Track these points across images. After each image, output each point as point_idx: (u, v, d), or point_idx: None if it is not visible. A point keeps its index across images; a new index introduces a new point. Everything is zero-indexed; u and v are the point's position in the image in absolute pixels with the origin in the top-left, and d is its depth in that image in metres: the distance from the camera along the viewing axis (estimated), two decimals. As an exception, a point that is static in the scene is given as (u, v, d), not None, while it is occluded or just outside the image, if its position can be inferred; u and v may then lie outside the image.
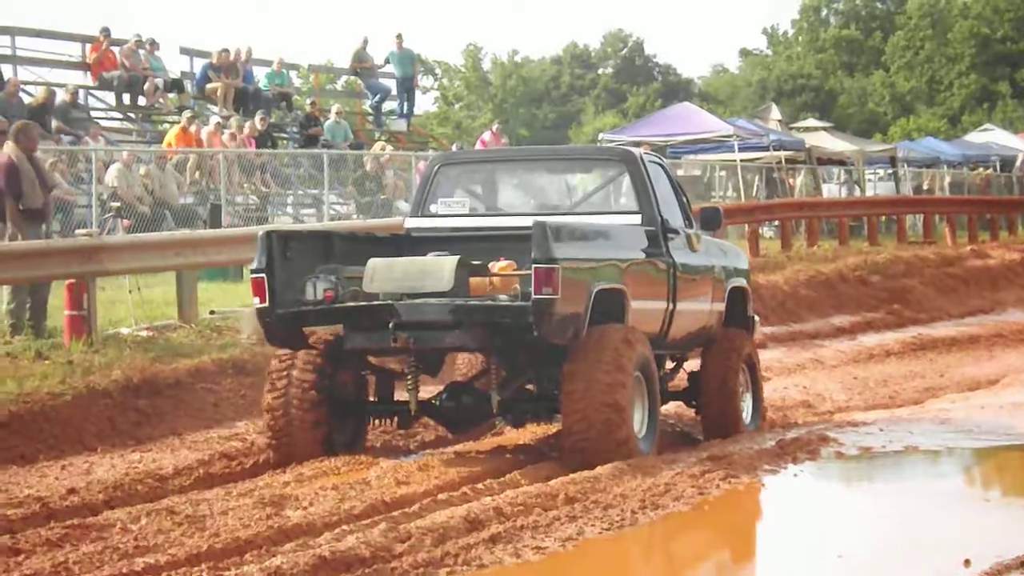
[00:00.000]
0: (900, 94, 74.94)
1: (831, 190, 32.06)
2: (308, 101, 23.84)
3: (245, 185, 18.23)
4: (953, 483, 8.35)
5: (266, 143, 20.13)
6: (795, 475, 8.21)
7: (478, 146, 25.55)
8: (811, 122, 39.05)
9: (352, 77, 27.44)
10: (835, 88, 72.86)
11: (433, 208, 9.47)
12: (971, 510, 7.43)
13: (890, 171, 34.38)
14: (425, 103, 58.04)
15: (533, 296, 7.86)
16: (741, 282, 10.28)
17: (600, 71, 73.35)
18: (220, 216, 16.24)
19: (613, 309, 8.37)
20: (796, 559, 6.63)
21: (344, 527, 6.69)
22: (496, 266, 8.42)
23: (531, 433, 9.29)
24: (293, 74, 26.05)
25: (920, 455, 8.86)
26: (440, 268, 8.22)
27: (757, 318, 10.85)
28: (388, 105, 26.50)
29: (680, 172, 28.35)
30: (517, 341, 8.12)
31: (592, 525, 6.83)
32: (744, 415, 9.71)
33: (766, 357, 14.17)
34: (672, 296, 9.16)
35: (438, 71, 62.53)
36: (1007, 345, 16.24)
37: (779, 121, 35.44)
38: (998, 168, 38.85)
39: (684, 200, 9.87)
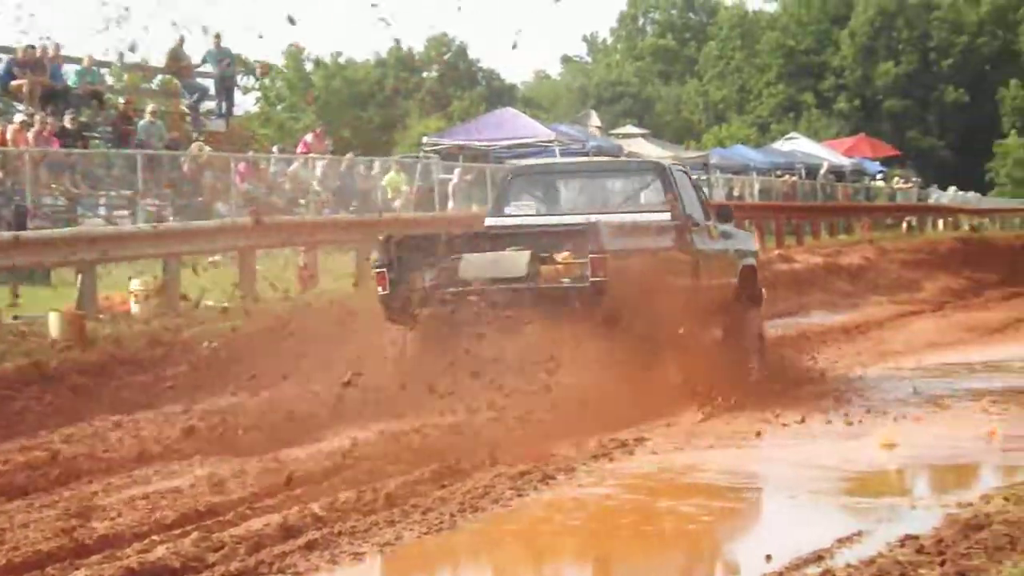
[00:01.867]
0: (713, 102, 76.86)
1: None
2: (120, 100, 23.19)
3: (53, 186, 17.62)
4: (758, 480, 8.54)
5: (76, 143, 19.48)
6: (609, 473, 8.30)
7: (300, 148, 25.23)
8: (629, 128, 39.75)
9: (168, 76, 26.84)
10: (652, 96, 74.27)
11: (507, 210, 12.12)
12: (775, 506, 7.61)
13: (703, 177, 35.19)
14: (247, 103, 57.11)
15: (590, 279, 10.16)
16: (751, 261, 13.01)
17: (424, 74, 73.31)
18: (25, 218, 15.65)
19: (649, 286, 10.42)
20: (605, 558, 6.70)
21: (154, 537, 6.50)
22: (560, 256, 10.52)
23: (351, 438, 9.20)
24: (105, 72, 25.30)
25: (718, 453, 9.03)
26: (518, 260, 10.51)
27: (764, 291, 13.32)
28: (206, 105, 25.98)
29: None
30: (579, 314, 10.07)
31: (411, 529, 6.80)
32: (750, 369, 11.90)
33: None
34: (695, 275, 11.41)
35: (259, 71, 61.59)
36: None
37: (598, 127, 35.98)
38: (803, 175, 40.17)
39: (703, 198, 12.61)
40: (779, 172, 39.32)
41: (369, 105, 67.42)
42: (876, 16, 73.93)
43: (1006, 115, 71.57)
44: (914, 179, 46.70)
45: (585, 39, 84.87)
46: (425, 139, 29.89)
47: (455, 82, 70.59)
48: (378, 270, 10.75)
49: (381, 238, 10.88)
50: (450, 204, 24.35)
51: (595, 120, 36.56)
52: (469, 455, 8.47)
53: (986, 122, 71.41)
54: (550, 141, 28.54)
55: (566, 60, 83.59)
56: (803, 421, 10.03)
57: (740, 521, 7.47)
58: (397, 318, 10.76)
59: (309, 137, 25.80)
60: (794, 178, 38.85)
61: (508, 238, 10.94)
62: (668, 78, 79.19)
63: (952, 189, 46.15)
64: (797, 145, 45.42)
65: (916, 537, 6.22)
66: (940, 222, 38.80)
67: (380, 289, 10.74)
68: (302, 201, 20.41)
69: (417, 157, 27.17)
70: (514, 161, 29.09)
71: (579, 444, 9.00)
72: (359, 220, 19.01)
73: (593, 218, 10.77)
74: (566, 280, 10.40)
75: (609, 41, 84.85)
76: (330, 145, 27.12)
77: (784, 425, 9.93)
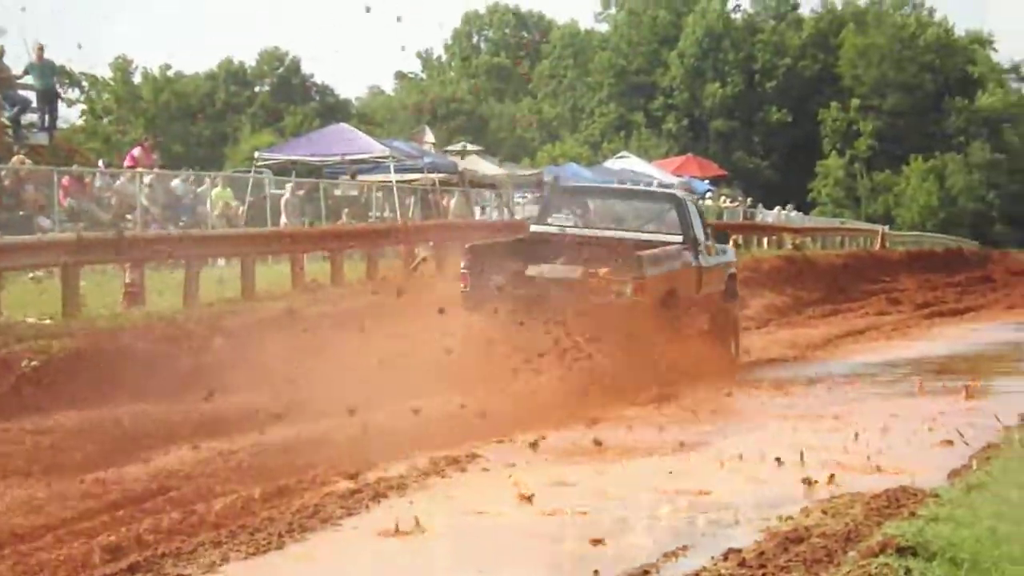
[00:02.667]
0: (546, 120, 77.71)
1: (483, 212, 32.81)
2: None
3: None
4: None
5: None
6: (440, 490, 8.31)
7: (127, 162, 24.70)
8: (464, 146, 39.87)
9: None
10: (487, 113, 74.75)
11: (550, 220, 14.90)
12: (606, 520, 7.70)
13: (537, 195, 35.51)
14: (72, 116, 55.63)
15: (630, 295, 12.93)
16: (733, 270, 16.34)
17: (257, 89, 72.48)
18: None
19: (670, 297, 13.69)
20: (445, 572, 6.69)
21: (-32, 562, 6.30)
22: (602, 271, 13.12)
23: (179, 459, 9.02)
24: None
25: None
26: (573, 270, 13.32)
27: (739, 293, 16.95)
28: (28, 118, 25.23)
29: (337, 192, 28.36)
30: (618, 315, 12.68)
31: (237, 550, 6.70)
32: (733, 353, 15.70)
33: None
34: (699, 285, 14.55)
35: (84, 84, 60.10)
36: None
37: (433, 144, 36.01)
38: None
39: (704, 222, 15.69)
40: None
41: (199, 118, 66.36)
42: (703, 38, 75.73)
43: (827, 136, 73.96)
44: (740, 198, 47.84)
45: (420, 55, 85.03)
46: (257, 154, 29.49)
47: (288, 97, 69.98)
48: (463, 271, 13.51)
49: (467, 247, 13.91)
50: (282, 219, 24.12)
51: (430, 136, 36.58)
52: (302, 471, 8.40)
53: (808, 142, 73.72)
54: (384, 157, 28.44)
55: (400, 76, 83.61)
56: (631, 428, 10.19)
57: (567, 536, 7.53)
58: (475, 308, 13.02)
59: (136, 151, 25.26)
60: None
61: (550, 242, 14.10)
62: (502, 96, 79.81)
63: (778, 208, 47.44)
64: (628, 164, 46.12)
65: (739, 551, 6.38)
66: (765, 240, 39.81)
67: (463, 286, 13.41)
68: (129, 216, 19.96)
69: (249, 172, 26.82)
70: (347, 177, 29.02)
71: (412, 462, 8.99)
72: (188, 235, 18.65)
73: (624, 235, 14.33)
74: (613, 289, 13.05)
75: (444, 58, 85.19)
76: (159, 159, 26.62)
77: (613, 445, 10.02)
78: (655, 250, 13.79)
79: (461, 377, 11.18)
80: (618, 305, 12.88)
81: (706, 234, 15.16)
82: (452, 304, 12.78)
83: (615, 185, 20.97)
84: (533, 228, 15.02)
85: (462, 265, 13.59)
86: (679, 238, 14.45)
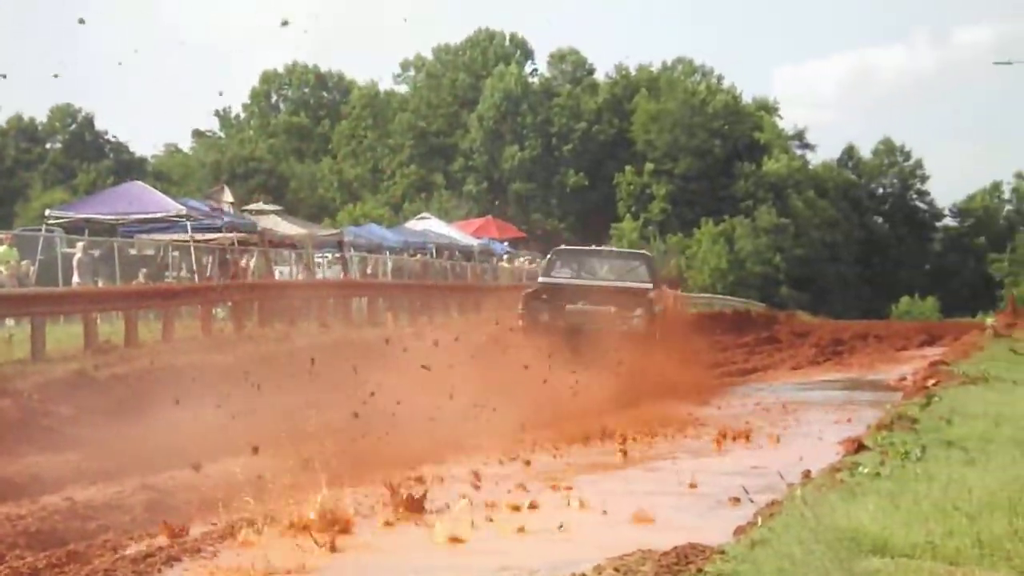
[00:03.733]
0: (347, 181, 77.68)
1: (283, 272, 32.59)
2: None
3: None
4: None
5: None
6: (237, 554, 8.22)
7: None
8: (262, 205, 39.56)
9: None
10: (286, 172, 74.31)
11: (554, 273, 20.34)
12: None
13: (338, 255, 35.48)
14: None
15: (644, 325, 19.01)
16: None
17: (48, 145, 70.59)
18: None
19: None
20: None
21: None
22: (611, 309, 19.02)
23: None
24: None
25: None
26: (602, 310, 19.00)
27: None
28: None
29: (132, 251, 27.80)
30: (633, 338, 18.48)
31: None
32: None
33: (213, 438, 14.10)
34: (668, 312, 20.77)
35: None
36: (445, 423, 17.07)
37: (231, 203, 35.66)
38: (434, 254, 41.17)
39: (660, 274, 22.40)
40: (412, 251, 40.14)
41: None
42: (502, 101, 76.95)
43: (622, 199, 75.80)
44: (538, 260, 48.65)
45: (217, 113, 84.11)
46: (48, 211, 28.72)
47: (81, 154, 68.35)
48: (520, 312, 19.27)
49: (524, 293, 19.95)
50: (75, 279, 23.51)
51: (228, 196, 36.22)
52: (92, 536, 8.21)
53: (604, 205, 75.43)
54: (181, 216, 28.04)
55: (198, 134, 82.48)
56: (423, 496, 10.21)
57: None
58: (530, 339, 17.88)
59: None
60: (426, 257, 39.74)
61: (559, 289, 19.60)
62: (303, 155, 79.49)
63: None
64: (429, 225, 46.47)
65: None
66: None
67: (520, 322, 19.08)
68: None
69: (39, 230, 26.09)
70: (144, 236, 28.46)
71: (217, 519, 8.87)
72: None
73: (617, 283, 19.99)
74: (630, 319, 18.97)
75: (242, 116, 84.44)
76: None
77: (411, 497, 10.05)
78: (652, 294, 19.69)
79: (243, 441, 11.09)
80: (636, 330, 18.87)
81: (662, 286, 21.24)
82: (262, 367, 12.52)
83: (600, 247, 25.65)
84: (542, 280, 20.42)
85: (520, 307, 19.37)
86: (650, 285, 20.06)
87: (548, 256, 21.64)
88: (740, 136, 77.63)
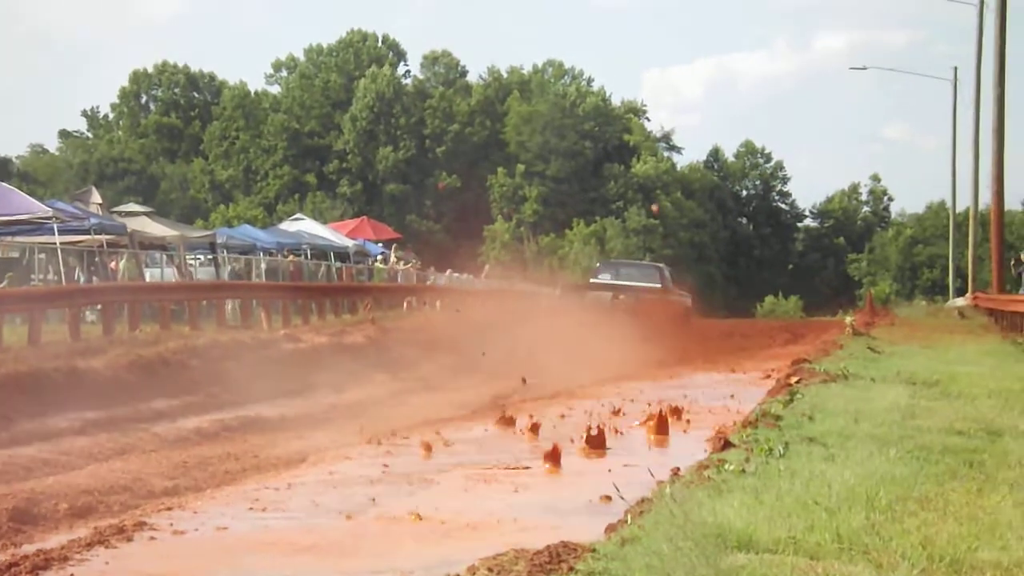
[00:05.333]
0: (219, 182, 76.75)
1: (154, 274, 32.12)
2: None
3: None
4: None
5: None
6: (107, 562, 8.15)
7: None
8: (133, 206, 38.97)
9: None
10: (157, 173, 73.17)
11: (600, 277, 34.98)
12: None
13: (210, 256, 35.07)
14: None
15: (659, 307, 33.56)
16: (688, 302, 37.02)
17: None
18: None
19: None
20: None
21: None
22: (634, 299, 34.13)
23: None
24: None
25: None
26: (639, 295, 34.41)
27: (691, 310, 39.24)
28: None
29: (-4, 254, 27.21)
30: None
31: None
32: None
33: (83, 444, 13.92)
34: (672, 304, 34.62)
35: None
36: (314, 425, 17.04)
37: (100, 205, 35.07)
38: (308, 255, 40.93)
39: (672, 278, 37.36)
40: (286, 252, 39.84)
41: None
42: (375, 102, 76.73)
43: (495, 201, 76.11)
44: (414, 260, 48.61)
45: (85, 114, 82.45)
46: (-93, 213, 27.91)
47: (-58, 153, 66.56)
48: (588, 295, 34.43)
49: (588, 284, 35.23)
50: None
51: (96, 197, 35.63)
52: None
53: (478, 207, 75.67)
54: (47, 218, 27.49)
55: (65, 135, 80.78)
56: (265, 510, 10.09)
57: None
58: (593, 311, 30.50)
59: None
60: (300, 258, 39.48)
61: (603, 287, 33.86)
62: (174, 156, 78.33)
63: (449, 271, 48.43)
64: (303, 226, 46.18)
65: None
66: (438, 302, 40.56)
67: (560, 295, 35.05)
68: None
69: None
70: (8, 239, 27.83)
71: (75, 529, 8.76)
72: None
73: (640, 284, 34.00)
74: (660, 304, 32.52)
75: (111, 117, 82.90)
76: None
77: (250, 508, 9.98)
78: (643, 285, 33.61)
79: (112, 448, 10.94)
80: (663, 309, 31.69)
81: (671, 285, 35.13)
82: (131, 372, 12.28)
83: (629, 260, 37.79)
84: (592, 281, 34.89)
85: (558, 292, 33.86)
86: (659, 285, 34.17)
87: (596, 265, 36.29)
88: (610, 138, 78.53)
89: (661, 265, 37.63)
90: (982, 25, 44.44)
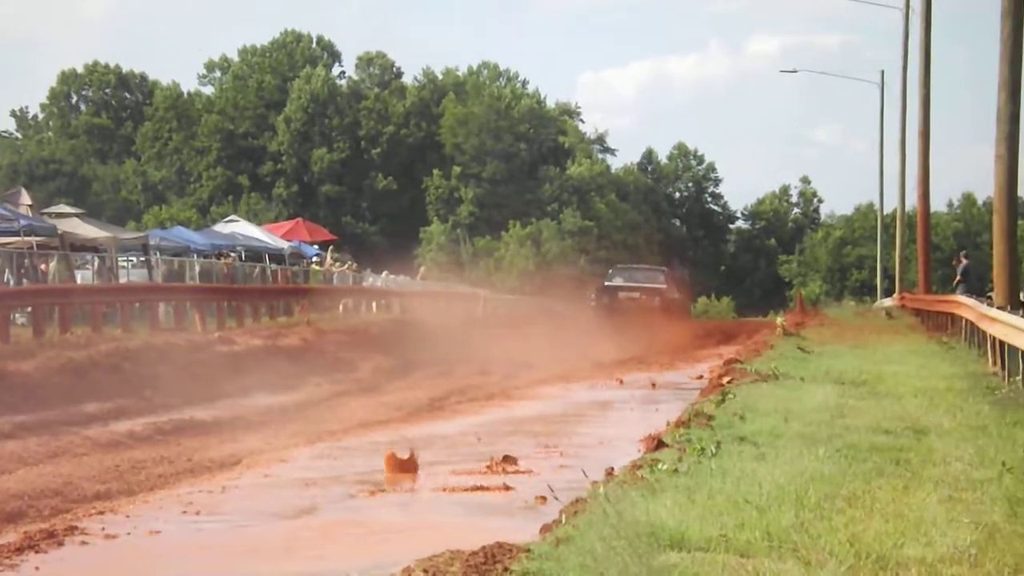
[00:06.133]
0: (152, 183, 76.01)
1: (85, 276, 31.77)
2: None
3: None
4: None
5: None
6: (36, 567, 8.09)
7: None
8: (64, 208, 38.50)
9: None
10: (88, 174, 72.36)
11: (615, 280, 38.95)
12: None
13: (143, 258, 34.75)
14: None
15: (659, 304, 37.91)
16: (686, 302, 47.03)
17: None
18: None
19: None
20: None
21: None
22: (642, 298, 38.15)
23: None
24: None
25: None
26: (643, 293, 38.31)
27: (689, 308, 48.76)
28: None
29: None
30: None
31: None
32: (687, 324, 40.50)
33: (12, 448, 13.79)
34: (672, 303, 39.32)
35: None
36: (249, 428, 16.97)
37: (30, 206, 34.63)
38: (243, 257, 40.67)
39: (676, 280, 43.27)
40: (220, 253, 39.54)
41: None
42: (309, 103, 76.35)
43: (431, 203, 76.02)
44: (350, 262, 48.42)
45: (14, 114, 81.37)
46: None
47: None
48: (593, 298, 38.25)
49: (596, 288, 39.17)
50: None
51: (26, 198, 35.17)
52: None
53: (414, 209, 75.54)
54: (-25, 220, 27.15)
55: (-7, 135, 79.61)
56: (199, 514, 10.03)
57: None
58: (597, 314, 35.58)
59: None
60: (234, 260, 39.21)
61: (617, 288, 37.85)
62: (105, 157, 77.50)
63: (385, 272, 48.30)
64: (237, 228, 45.83)
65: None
66: (375, 304, 40.46)
67: (593, 304, 37.80)
68: None
69: None
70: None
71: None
72: None
73: (646, 286, 38.11)
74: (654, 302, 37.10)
75: (40, 117, 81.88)
76: None
77: (184, 512, 9.93)
78: (650, 286, 37.74)
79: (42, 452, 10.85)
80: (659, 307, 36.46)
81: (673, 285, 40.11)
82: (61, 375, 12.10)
83: (638, 265, 43.27)
84: (606, 284, 38.49)
85: (593, 296, 38.24)
86: (664, 286, 38.26)
87: (609, 271, 41.29)
88: (545, 140, 78.70)
89: (663, 268, 43.28)
90: (908, 28, 45.01)
